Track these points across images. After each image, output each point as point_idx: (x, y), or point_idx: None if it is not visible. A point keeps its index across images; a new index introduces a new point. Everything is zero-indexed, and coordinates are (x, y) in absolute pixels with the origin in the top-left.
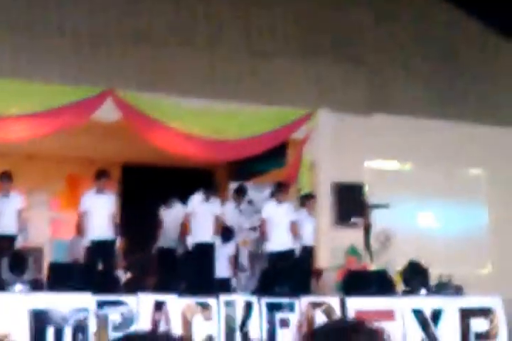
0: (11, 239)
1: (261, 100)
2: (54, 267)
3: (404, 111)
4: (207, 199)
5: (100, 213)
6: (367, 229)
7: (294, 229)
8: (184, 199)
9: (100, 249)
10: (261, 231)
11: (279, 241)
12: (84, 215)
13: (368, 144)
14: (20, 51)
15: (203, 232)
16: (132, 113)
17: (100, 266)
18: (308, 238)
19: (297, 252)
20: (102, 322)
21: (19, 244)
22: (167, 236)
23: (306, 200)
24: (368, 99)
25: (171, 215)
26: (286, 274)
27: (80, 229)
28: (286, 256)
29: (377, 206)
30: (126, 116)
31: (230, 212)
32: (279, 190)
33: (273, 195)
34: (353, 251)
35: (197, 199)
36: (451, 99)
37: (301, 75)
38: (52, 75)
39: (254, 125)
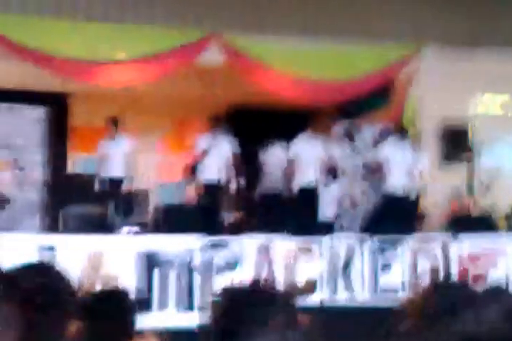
0: (118, 183)
1: (364, 39)
2: (160, 209)
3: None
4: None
5: (214, 157)
6: (471, 172)
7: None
8: (288, 140)
9: (210, 192)
10: (378, 172)
11: (397, 182)
12: (198, 159)
13: (476, 82)
14: None
15: (308, 175)
16: (237, 56)
17: (210, 208)
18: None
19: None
20: (207, 264)
21: (126, 187)
22: (270, 180)
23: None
24: (472, 33)
25: (272, 158)
26: (398, 215)
27: (190, 172)
28: (403, 197)
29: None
30: (231, 59)
31: (339, 151)
32: (403, 132)
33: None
34: (457, 193)
35: (300, 142)
36: None
37: (403, 11)
38: (157, 18)
39: (358, 64)
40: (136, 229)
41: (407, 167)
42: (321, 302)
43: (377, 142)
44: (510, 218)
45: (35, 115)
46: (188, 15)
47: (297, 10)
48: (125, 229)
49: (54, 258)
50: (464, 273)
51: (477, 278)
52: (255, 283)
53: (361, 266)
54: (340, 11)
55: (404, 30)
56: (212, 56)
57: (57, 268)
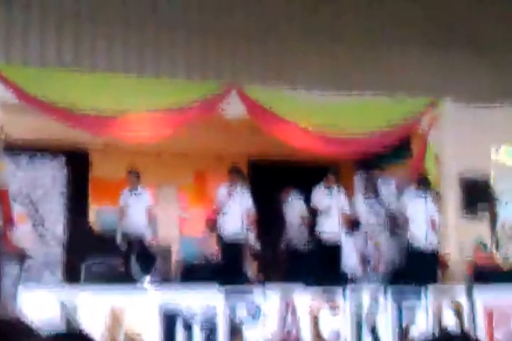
0: (140, 236)
1: (383, 92)
2: (185, 265)
3: None
4: (330, 191)
5: (234, 209)
6: (493, 222)
7: (434, 224)
8: (308, 193)
9: (232, 247)
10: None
11: (419, 234)
12: (218, 211)
13: (494, 134)
14: (147, 47)
15: (331, 229)
16: (256, 107)
17: (231, 265)
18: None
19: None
20: (232, 321)
21: (148, 240)
22: (292, 233)
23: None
24: (492, 88)
25: (293, 211)
26: (422, 272)
27: (211, 226)
28: (428, 253)
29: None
30: (251, 110)
31: (359, 205)
32: (425, 183)
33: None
34: (480, 244)
35: (321, 193)
36: None
37: (423, 65)
38: (178, 71)
39: (377, 117)
40: (157, 283)
41: (429, 218)
42: None
43: (399, 194)
44: None
45: (57, 167)
46: (208, 67)
47: (316, 63)
48: (147, 283)
49: (75, 313)
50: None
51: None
52: None
53: (385, 318)
54: (359, 65)
55: (425, 84)
56: (233, 108)
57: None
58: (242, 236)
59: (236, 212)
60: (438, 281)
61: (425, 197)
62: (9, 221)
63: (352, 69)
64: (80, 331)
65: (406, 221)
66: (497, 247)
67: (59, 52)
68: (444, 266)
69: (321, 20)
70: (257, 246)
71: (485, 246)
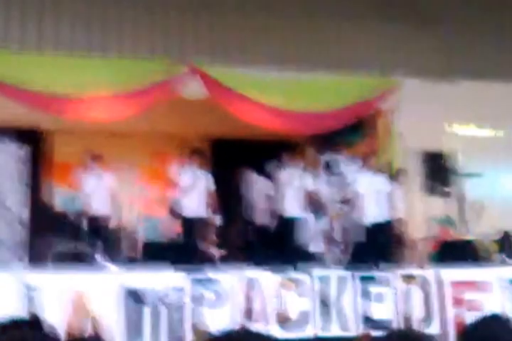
0: (104, 219)
1: (346, 70)
2: (148, 246)
3: (492, 76)
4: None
5: (197, 190)
6: (460, 199)
7: (391, 200)
8: (272, 172)
9: (195, 227)
10: (356, 204)
11: (375, 213)
12: (182, 192)
13: (455, 112)
14: (109, 26)
15: (294, 207)
16: (218, 88)
17: (194, 244)
18: (400, 209)
19: (394, 224)
20: (197, 301)
21: (112, 223)
22: (253, 212)
23: (397, 174)
24: (450, 65)
25: (254, 190)
26: (380, 247)
27: (174, 207)
28: (383, 228)
29: (469, 175)
30: (211, 91)
31: (321, 185)
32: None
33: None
34: (447, 222)
35: (286, 173)
36: None
37: (385, 43)
38: (140, 50)
39: (341, 96)
40: (122, 266)
41: (386, 198)
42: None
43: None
44: (500, 244)
45: (17, 153)
46: (170, 48)
47: (279, 42)
48: (113, 266)
49: (39, 297)
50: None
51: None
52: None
53: (353, 298)
54: (322, 43)
55: (384, 63)
56: (193, 89)
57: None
58: (204, 215)
59: (197, 193)
60: (403, 259)
61: (381, 178)
62: None
63: (312, 46)
64: (35, 316)
65: (356, 201)
66: (465, 223)
67: (22, 35)
68: (410, 244)
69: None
70: (219, 223)
71: (451, 222)
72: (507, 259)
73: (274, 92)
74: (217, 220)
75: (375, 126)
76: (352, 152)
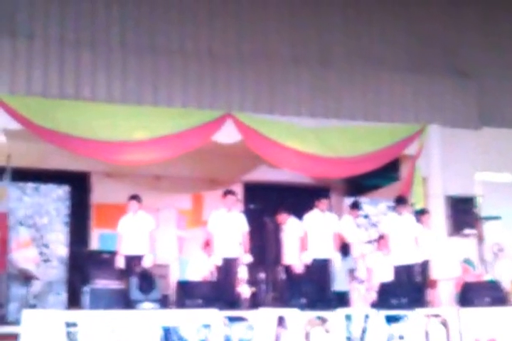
0: (139, 259)
1: (372, 117)
2: (182, 285)
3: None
4: (324, 214)
5: (230, 231)
6: (480, 241)
7: (417, 241)
8: (301, 215)
9: (228, 267)
10: (383, 245)
11: (402, 254)
12: (214, 234)
13: (479, 157)
14: (145, 77)
15: (321, 248)
16: (251, 134)
17: (227, 283)
18: (426, 251)
19: (420, 265)
20: (228, 338)
21: (148, 263)
22: (284, 254)
23: (421, 215)
24: (477, 113)
25: (286, 233)
26: (405, 287)
27: (208, 248)
28: (410, 269)
29: (489, 218)
30: (246, 137)
31: (346, 226)
32: (401, 203)
33: (394, 208)
34: (468, 262)
35: (314, 215)
36: None
37: (411, 91)
38: (175, 100)
39: (366, 142)
40: (156, 304)
41: (415, 239)
42: None
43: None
44: None
45: (59, 194)
46: (204, 95)
47: (308, 90)
48: (146, 304)
49: (78, 334)
50: None
51: None
52: None
53: (377, 336)
54: (352, 92)
55: (414, 110)
56: (228, 135)
57: None
58: (237, 255)
59: (232, 233)
60: (427, 301)
61: (411, 220)
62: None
63: (342, 95)
64: None
65: (387, 239)
66: (484, 264)
67: (61, 83)
68: (433, 284)
69: (311, 47)
70: (250, 263)
71: (471, 263)
72: None
73: (305, 139)
74: (249, 259)
75: (405, 171)
76: (382, 195)
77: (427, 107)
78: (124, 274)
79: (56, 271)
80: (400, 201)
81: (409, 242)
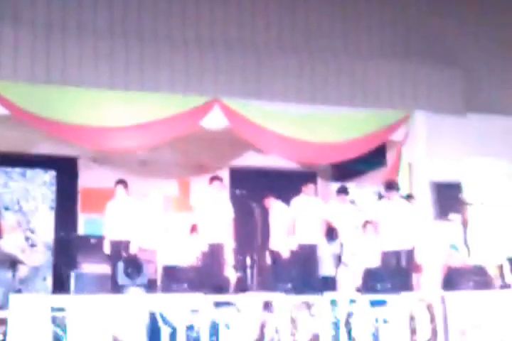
0: (126, 244)
1: (358, 103)
2: (168, 270)
3: (501, 110)
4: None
5: (216, 216)
6: (465, 226)
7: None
8: (288, 200)
9: (214, 252)
10: (369, 230)
11: (391, 239)
12: (200, 219)
13: (464, 143)
14: (132, 63)
15: (308, 233)
16: (238, 119)
17: (213, 268)
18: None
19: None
20: (214, 322)
21: (134, 248)
22: (271, 239)
23: (407, 201)
24: (462, 99)
25: (273, 218)
26: (391, 272)
27: (194, 233)
28: (396, 254)
29: (474, 203)
30: (233, 122)
31: (333, 211)
32: (391, 188)
33: (383, 193)
34: (452, 247)
35: (301, 200)
36: None
37: (396, 77)
38: (162, 86)
39: (353, 128)
40: (143, 289)
41: (403, 224)
42: None
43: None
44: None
45: (46, 179)
46: (191, 82)
47: (295, 77)
48: (133, 289)
49: (65, 319)
50: None
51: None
52: None
53: (362, 322)
54: (339, 79)
55: (400, 96)
56: (215, 120)
57: None
58: (222, 240)
59: (217, 219)
60: (412, 285)
61: (398, 205)
62: None
63: (328, 82)
64: None
65: (375, 225)
66: (468, 249)
67: (47, 69)
68: (418, 269)
69: (298, 34)
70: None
71: (456, 248)
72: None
73: (292, 125)
74: (235, 245)
75: (391, 157)
76: (368, 180)
77: (413, 94)
78: (111, 259)
79: (42, 256)
80: (390, 186)
81: (398, 228)
